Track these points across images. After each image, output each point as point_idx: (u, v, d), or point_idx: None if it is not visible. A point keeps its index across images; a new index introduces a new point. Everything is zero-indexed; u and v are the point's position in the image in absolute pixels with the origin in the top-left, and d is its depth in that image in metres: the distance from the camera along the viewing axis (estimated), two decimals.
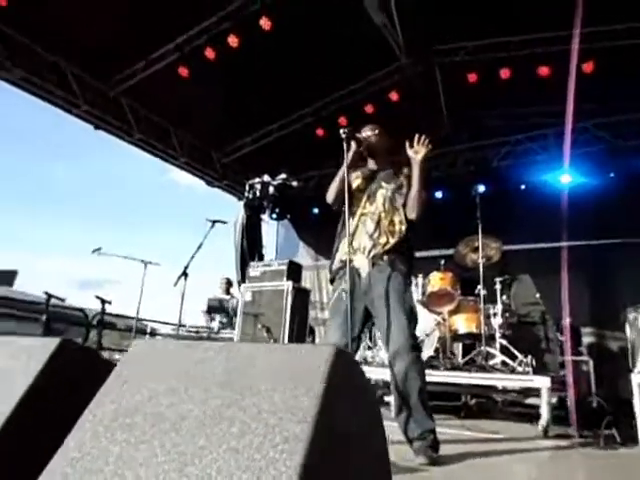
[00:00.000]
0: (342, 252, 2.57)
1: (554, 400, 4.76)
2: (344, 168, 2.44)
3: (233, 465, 0.73)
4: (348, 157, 2.46)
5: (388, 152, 2.77)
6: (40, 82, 5.80)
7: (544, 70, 5.95)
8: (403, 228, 2.52)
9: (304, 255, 8.82)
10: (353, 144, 2.52)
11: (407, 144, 2.56)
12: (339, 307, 2.40)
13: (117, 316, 6.29)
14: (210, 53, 5.84)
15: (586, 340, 6.14)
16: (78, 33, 5.54)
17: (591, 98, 6.11)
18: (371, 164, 2.76)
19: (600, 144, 6.64)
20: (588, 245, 6.50)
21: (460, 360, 4.53)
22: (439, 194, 7.66)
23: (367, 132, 2.68)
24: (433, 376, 4.01)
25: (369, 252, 2.48)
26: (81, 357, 1.28)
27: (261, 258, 8.33)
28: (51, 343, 1.25)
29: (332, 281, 2.61)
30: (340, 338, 2.30)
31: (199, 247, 3.92)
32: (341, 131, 2.44)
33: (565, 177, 6.77)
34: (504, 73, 6.08)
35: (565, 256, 5.75)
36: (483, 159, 7.43)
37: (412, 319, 2.35)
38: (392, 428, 2.38)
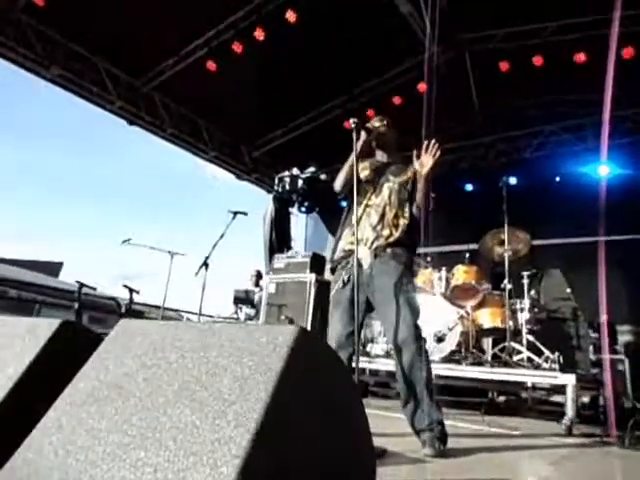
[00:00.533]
0: (345, 242, 2.57)
1: (586, 399, 4.62)
2: (353, 157, 2.44)
3: (190, 439, 0.75)
4: (357, 146, 2.45)
5: (398, 146, 2.75)
6: (76, 79, 6.02)
7: (580, 57, 5.70)
8: (407, 222, 2.50)
9: None
10: (363, 134, 2.50)
11: (414, 154, 2.52)
12: (341, 297, 2.41)
13: (146, 305, 6.51)
14: (238, 47, 5.91)
15: (623, 339, 5.89)
16: (110, 31, 5.71)
17: (631, 85, 5.80)
18: (379, 156, 2.73)
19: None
20: (626, 240, 6.21)
21: (485, 355, 4.43)
22: (469, 187, 7.49)
23: (376, 123, 2.66)
24: (454, 370, 3.96)
25: (371, 244, 2.46)
26: (80, 336, 1.34)
27: (290, 251, 8.38)
28: (53, 324, 1.32)
29: (333, 271, 2.61)
30: (343, 328, 2.31)
31: (221, 237, 4.00)
32: (351, 120, 2.43)
33: (603, 168, 6.48)
34: (537, 60, 5.87)
35: (602, 250, 5.53)
36: (515, 150, 7.22)
37: (414, 310, 2.33)
38: (401, 420, 2.37)
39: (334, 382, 0.91)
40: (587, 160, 6.62)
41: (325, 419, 0.86)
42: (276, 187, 8.72)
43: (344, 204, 3.00)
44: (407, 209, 2.54)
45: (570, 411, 3.34)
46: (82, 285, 4.24)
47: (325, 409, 0.86)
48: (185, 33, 6.00)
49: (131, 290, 4.41)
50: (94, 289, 4.80)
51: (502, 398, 5.64)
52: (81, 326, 1.51)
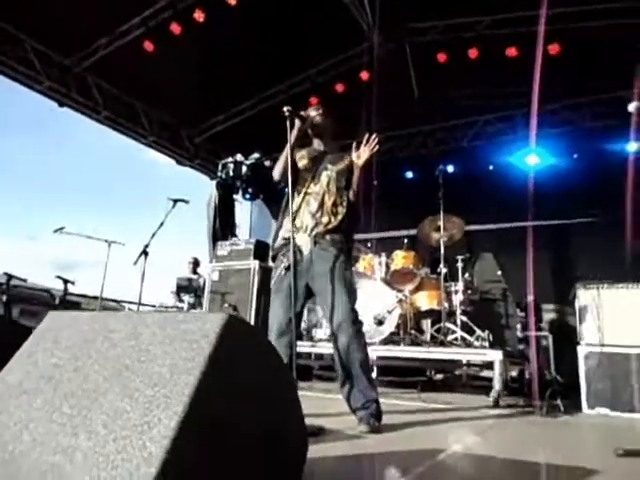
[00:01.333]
0: (285, 230, 2.61)
1: (514, 373, 4.97)
2: (288, 146, 2.47)
3: (120, 424, 0.78)
4: (292, 135, 2.49)
5: (335, 134, 2.81)
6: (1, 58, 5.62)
7: (512, 51, 6.00)
8: (345, 210, 2.58)
9: None
10: (297, 122, 2.53)
11: (354, 145, 2.61)
12: (281, 284, 2.47)
13: (83, 297, 6.28)
14: (176, 28, 5.73)
15: (547, 316, 6.33)
16: (40, 8, 5.35)
17: (559, 80, 6.17)
18: (316, 144, 2.78)
19: (566, 126, 6.76)
20: (550, 225, 6.68)
21: (423, 336, 4.66)
22: (409, 174, 7.73)
23: (312, 112, 2.69)
24: (393, 351, 4.14)
25: (311, 230, 2.53)
26: (8, 330, 1.31)
27: (234, 237, 8.31)
28: None
29: (274, 258, 2.65)
30: (284, 314, 2.37)
31: (160, 225, 3.92)
32: (284, 109, 2.45)
33: (531, 158, 6.89)
34: (472, 53, 6.11)
35: (529, 235, 5.92)
36: (453, 139, 7.51)
37: (352, 294, 2.43)
38: (341, 401, 2.47)
39: (265, 367, 0.95)
40: (518, 150, 7.01)
41: (256, 402, 0.91)
42: (219, 173, 8.57)
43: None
44: (345, 197, 2.62)
45: (497, 384, 3.59)
46: (10, 277, 4.03)
47: (256, 392, 0.91)
48: (120, 11, 5.73)
49: (65, 281, 4.23)
50: (24, 280, 4.57)
51: (439, 376, 5.96)
52: (9, 320, 1.47)
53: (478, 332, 4.41)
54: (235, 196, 8.88)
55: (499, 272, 5.36)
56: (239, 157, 8.55)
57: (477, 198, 6.74)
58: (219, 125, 8.00)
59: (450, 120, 7.48)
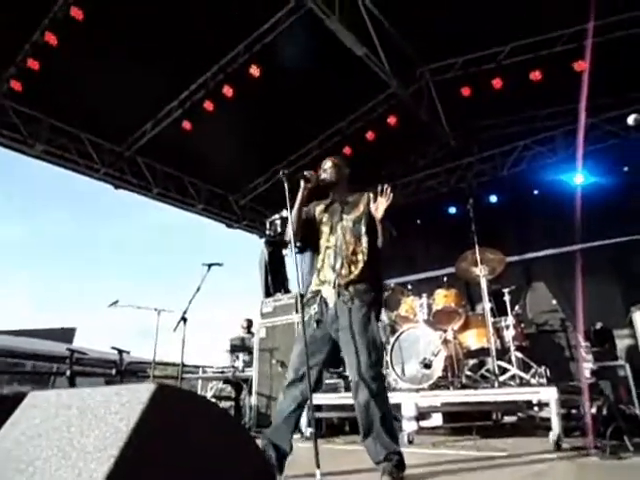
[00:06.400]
0: (313, 284, 2.64)
1: (593, 410, 4.54)
2: (296, 207, 2.55)
3: None
4: (298, 195, 2.57)
5: (349, 180, 2.80)
6: (60, 152, 6.33)
7: (535, 75, 5.92)
8: (366, 258, 2.53)
9: None
10: (302, 182, 2.61)
11: (371, 197, 2.59)
12: (302, 334, 2.49)
13: (140, 363, 6.59)
14: (209, 105, 6.21)
15: (622, 343, 5.79)
16: (88, 103, 6.04)
17: (596, 94, 5.97)
18: (331, 196, 2.78)
19: (611, 139, 6.45)
20: (610, 244, 6.24)
21: (474, 376, 4.43)
22: (452, 210, 7.60)
23: (323, 166, 2.76)
24: (440, 397, 3.96)
25: (334, 283, 2.51)
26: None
27: (287, 292, 8.45)
28: None
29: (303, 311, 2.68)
30: (299, 365, 2.37)
31: (197, 291, 4.11)
32: (280, 173, 2.54)
33: (578, 177, 6.58)
34: (496, 83, 6.10)
35: (583, 259, 5.58)
36: (493, 169, 7.35)
37: (374, 350, 2.36)
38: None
39: (201, 430, 1.00)
40: (562, 170, 6.74)
41: (190, 465, 0.95)
42: (267, 231, 8.88)
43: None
44: (365, 244, 2.56)
45: (556, 425, 3.31)
46: (73, 352, 4.37)
47: (188, 456, 0.95)
48: (160, 97, 6.32)
49: (120, 351, 4.51)
50: (85, 354, 4.91)
51: (509, 419, 5.55)
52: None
53: (535, 368, 4.12)
54: (285, 251, 9.11)
55: (554, 301, 5.05)
56: (284, 213, 8.82)
57: (524, 226, 6.49)
58: (261, 186, 8.39)
59: (488, 150, 7.37)
